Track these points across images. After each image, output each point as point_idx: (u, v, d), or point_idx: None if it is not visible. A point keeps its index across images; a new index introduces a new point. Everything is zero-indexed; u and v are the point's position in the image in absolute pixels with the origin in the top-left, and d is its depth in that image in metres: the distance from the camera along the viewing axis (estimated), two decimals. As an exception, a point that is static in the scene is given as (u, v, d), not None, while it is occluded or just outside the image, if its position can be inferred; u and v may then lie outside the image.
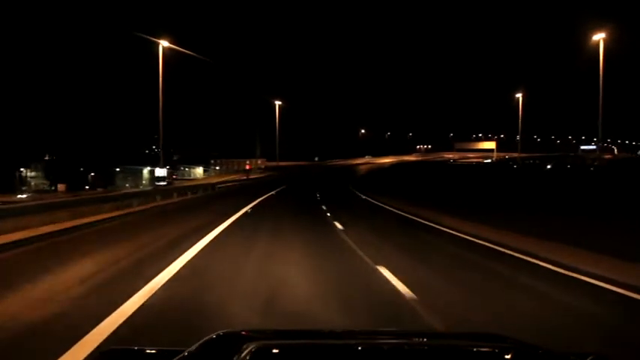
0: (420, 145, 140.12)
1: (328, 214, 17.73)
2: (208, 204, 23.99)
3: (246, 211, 18.51)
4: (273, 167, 73.79)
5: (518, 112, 55.39)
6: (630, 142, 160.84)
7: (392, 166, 79.50)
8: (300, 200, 27.72)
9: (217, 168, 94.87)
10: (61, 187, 52.99)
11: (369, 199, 28.07)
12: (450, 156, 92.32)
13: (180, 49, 32.02)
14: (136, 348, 2.04)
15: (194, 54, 34.39)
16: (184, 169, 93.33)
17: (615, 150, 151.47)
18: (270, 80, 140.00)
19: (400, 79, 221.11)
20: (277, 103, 62.04)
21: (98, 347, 3.93)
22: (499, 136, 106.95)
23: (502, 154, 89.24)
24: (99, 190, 57.99)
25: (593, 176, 30.61)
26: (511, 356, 1.61)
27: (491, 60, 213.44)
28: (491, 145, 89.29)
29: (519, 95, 55.60)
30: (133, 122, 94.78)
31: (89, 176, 65.58)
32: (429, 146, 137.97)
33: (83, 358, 3.74)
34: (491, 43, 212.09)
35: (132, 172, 79.74)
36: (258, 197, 26.73)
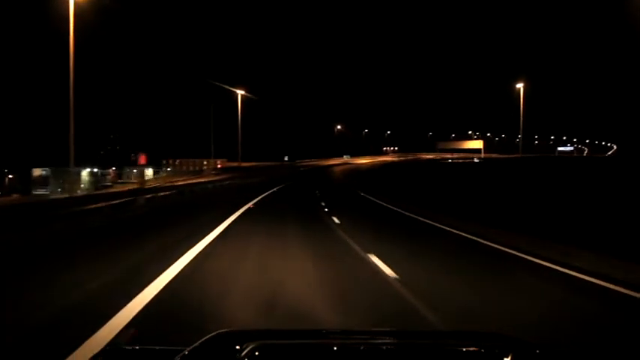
0: (386, 147, 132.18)
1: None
2: None
3: None
4: (234, 168, 63.62)
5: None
6: (599, 142, 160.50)
7: (383, 166, 71.01)
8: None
9: (169, 169, 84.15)
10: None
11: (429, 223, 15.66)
12: (431, 156, 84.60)
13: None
14: (135, 347, 1.90)
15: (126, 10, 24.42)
16: (130, 170, 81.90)
17: (586, 151, 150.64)
18: (233, 70, 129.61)
19: (378, 74, 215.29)
20: (240, 92, 51.79)
21: None
22: (485, 135, 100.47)
23: (477, 155, 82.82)
24: (14, 196, 46.46)
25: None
26: (511, 357, 1.57)
27: (474, 58, 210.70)
28: (477, 144, 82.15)
29: (520, 85, 48.04)
30: (87, 121, 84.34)
31: (6, 179, 53.51)
32: (396, 147, 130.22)
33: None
34: (473, 41, 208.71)
35: (65, 173, 67.80)
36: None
